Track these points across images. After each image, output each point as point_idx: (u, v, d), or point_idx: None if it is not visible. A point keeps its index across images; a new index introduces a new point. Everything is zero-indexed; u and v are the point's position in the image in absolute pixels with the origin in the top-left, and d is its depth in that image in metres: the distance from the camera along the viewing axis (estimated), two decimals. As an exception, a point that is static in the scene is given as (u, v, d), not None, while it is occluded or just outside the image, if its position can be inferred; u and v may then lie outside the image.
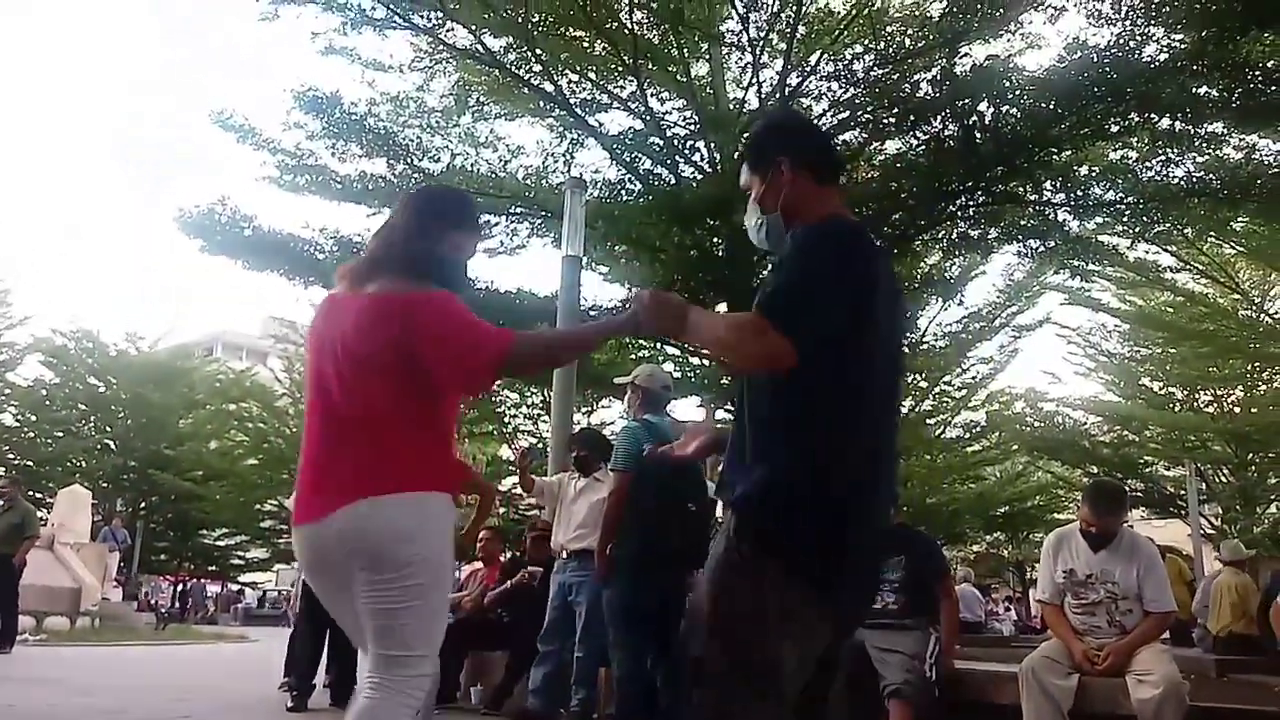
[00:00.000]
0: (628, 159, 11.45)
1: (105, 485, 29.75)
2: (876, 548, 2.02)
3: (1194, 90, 9.21)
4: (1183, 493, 19.48)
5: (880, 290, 1.94)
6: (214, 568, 33.89)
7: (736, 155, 1.90)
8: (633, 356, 13.24)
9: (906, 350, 2.22)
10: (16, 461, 28.36)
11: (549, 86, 11.40)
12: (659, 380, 5.13)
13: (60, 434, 30.08)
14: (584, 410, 18.20)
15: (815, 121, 2.20)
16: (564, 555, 5.82)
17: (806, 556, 1.85)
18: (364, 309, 2.21)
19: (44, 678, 7.84)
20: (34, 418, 29.97)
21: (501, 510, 25.88)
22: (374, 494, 2.11)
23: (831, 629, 1.94)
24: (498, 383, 2.38)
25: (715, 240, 11.26)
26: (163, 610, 24.16)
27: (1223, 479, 22.12)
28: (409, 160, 11.80)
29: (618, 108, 11.93)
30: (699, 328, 2.02)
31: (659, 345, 13.29)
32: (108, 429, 31.13)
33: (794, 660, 1.85)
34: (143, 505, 30.84)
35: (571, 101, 11.57)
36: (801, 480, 1.87)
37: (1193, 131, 9.76)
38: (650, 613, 4.78)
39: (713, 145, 11.12)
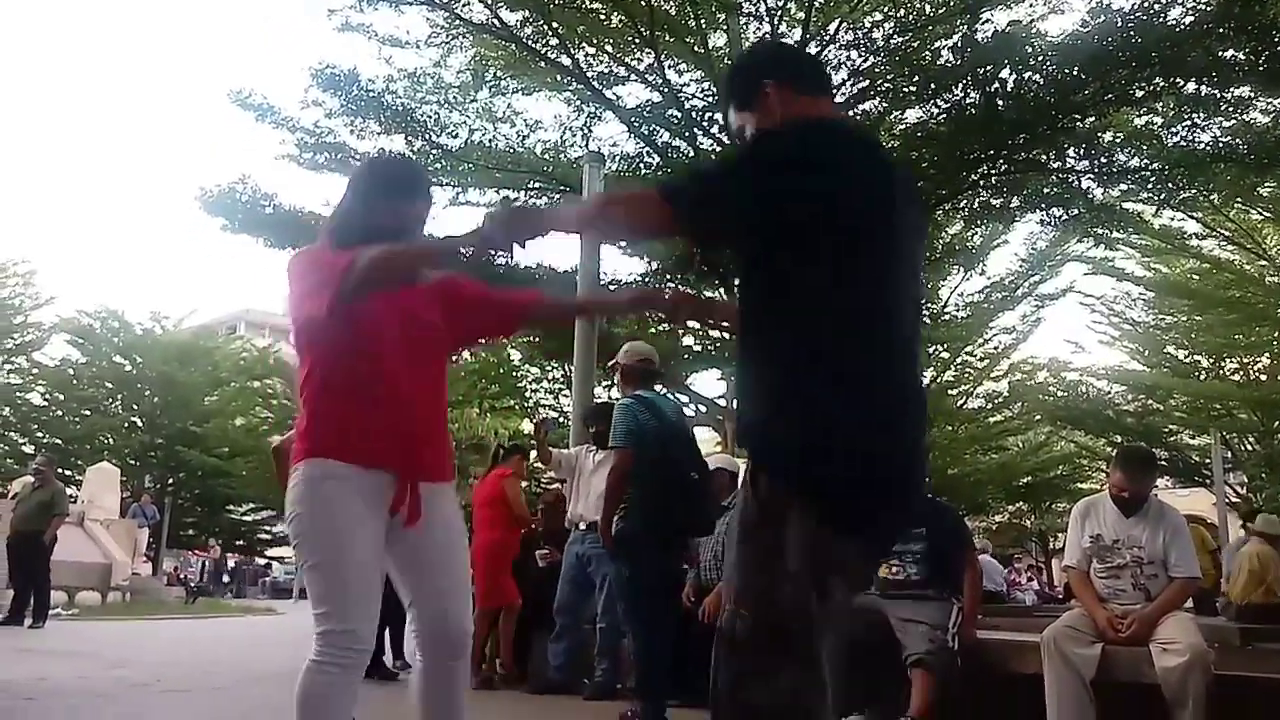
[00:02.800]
0: (646, 132, 11.40)
1: (133, 462, 30.11)
2: (905, 480, 1.79)
3: (1220, 54, 9.06)
4: (1208, 461, 19.33)
5: (851, 185, 1.76)
6: (241, 542, 34.33)
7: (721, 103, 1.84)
8: (652, 330, 13.24)
9: (920, 263, 2.03)
10: (46, 440, 28.76)
11: (566, 60, 11.35)
12: (635, 355, 5.08)
13: (88, 412, 30.48)
14: (605, 384, 18.20)
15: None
16: (581, 526, 5.87)
17: (830, 496, 1.69)
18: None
19: (76, 651, 7.99)
20: (61, 397, 30.38)
21: (524, 484, 26.03)
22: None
23: (863, 573, 1.82)
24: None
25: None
26: (192, 585, 24.50)
27: (1248, 447, 21.93)
28: (427, 137, 11.80)
29: (635, 80, 11.86)
30: (564, 219, 2.02)
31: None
32: (135, 407, 31.50)
33: (828, 611, 1.69)
34: (170, 482, 31.23)
35: (589, 75, 11.52)
36: (811, 413, 1.71)
37: (1219, 96, 9.61)
38: (661, 585, 4.80)
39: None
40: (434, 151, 11.77)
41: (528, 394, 25.04)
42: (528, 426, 26.19)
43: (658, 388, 5.27)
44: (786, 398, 1.74)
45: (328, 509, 2.19)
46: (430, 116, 12.02)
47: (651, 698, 4.50)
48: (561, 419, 23.84)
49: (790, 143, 1.80)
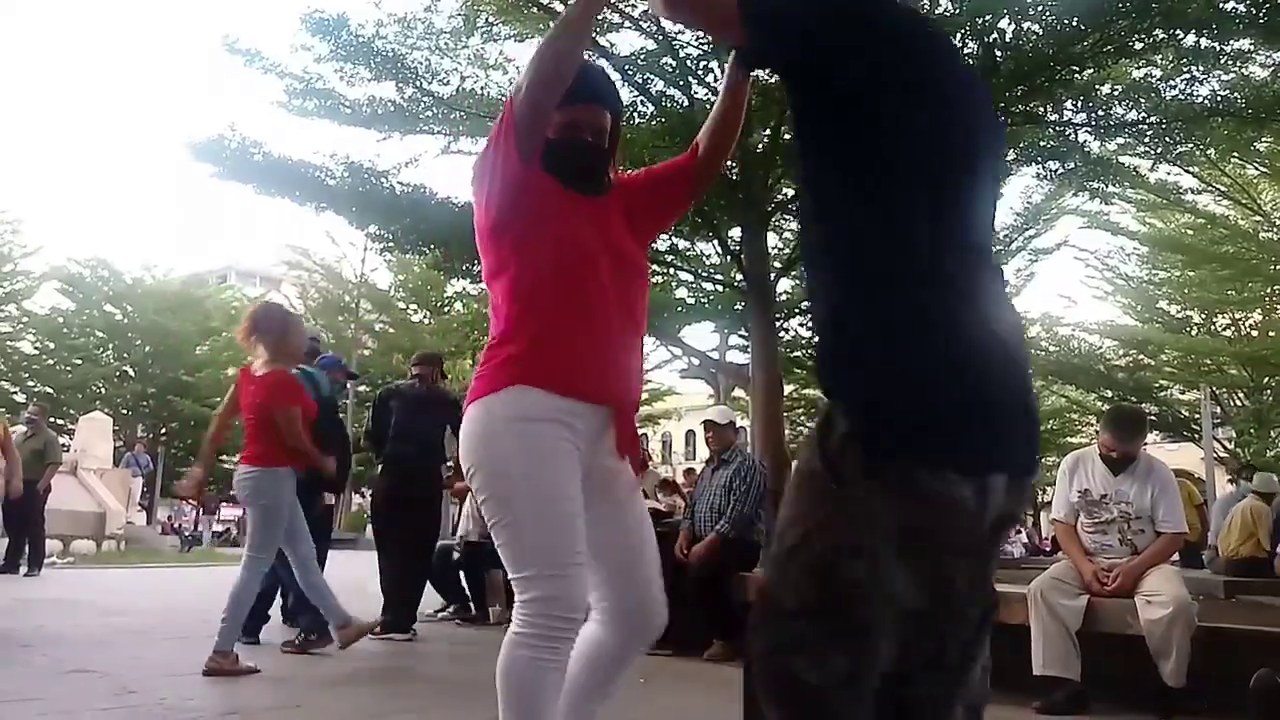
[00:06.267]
0: (639, 80, 11.26)
1: (125, 412, 30.15)
2: (994, 382, 1.43)
3: (1220, 5, 8.95)
4: (1197, 416, 19.47)
5: (902, 45, 1.53)
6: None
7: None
8: (658, 290, 13.21)
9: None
10: (37, 389, 28.73)
11: (559, 6, 11.17)
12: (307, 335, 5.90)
13: (79, 361, 30.43)
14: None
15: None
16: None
17: (884, 427, 1.39)
18: None
19: (72, 599, 8.04)
20: (52, 345, 30.32)
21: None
22: None
23: (968, 514, 1.39)
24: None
25: (729, 163, 11.13)
26: (186, 534, 24.64)
27: (1237, 402, 22.10)
28: (418, 83, 11.63)
29: (629, 27, 11.69)
30: None
31: (671, 270, 13.23)
32: (126, 356, 31.45)
33: (893, 580, 1.37)
34: (163, 431, 31.27)
35: (582, 21, 11.35)
36: (853, 322, 1.46)
37: (1218, 49, 9.50)
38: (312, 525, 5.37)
39: (726, 66, 10.91)
40: (425, 99, 11.63)
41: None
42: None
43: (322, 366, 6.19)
44: (848, 317, 1.49)
45: (538, 453, 1.87)
46: (421, 63, 11.84)
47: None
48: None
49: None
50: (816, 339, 1.56)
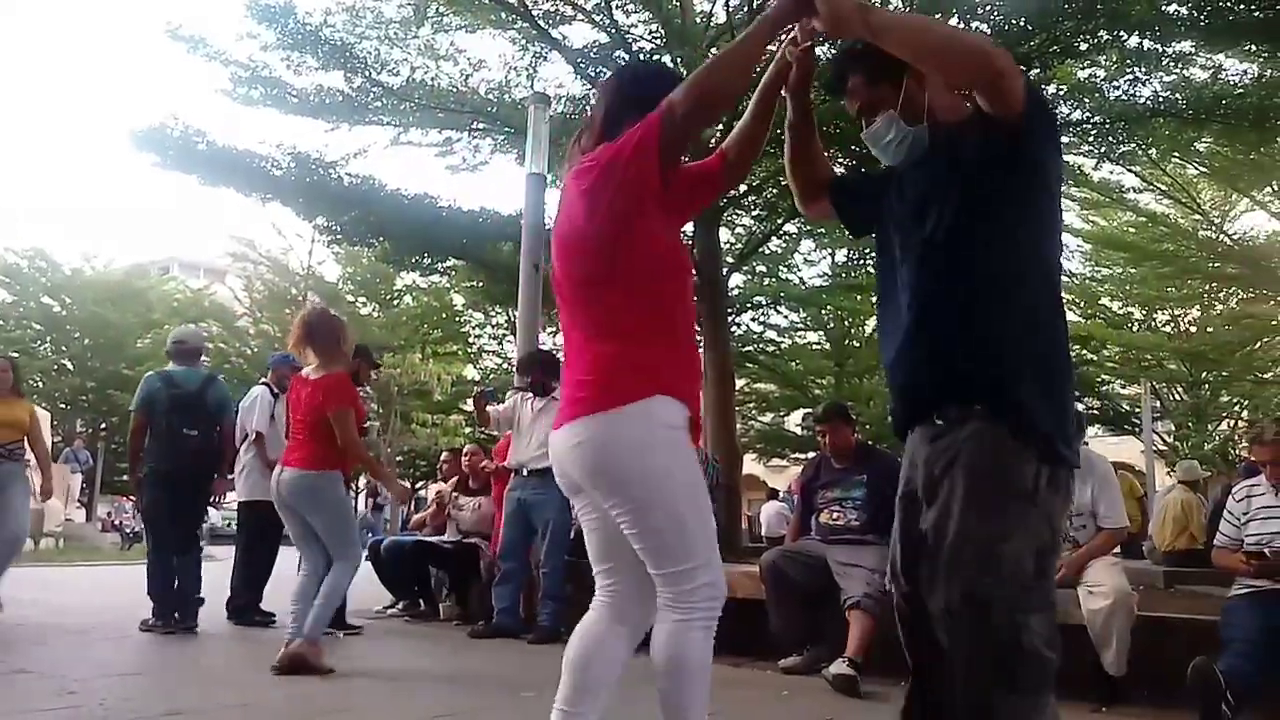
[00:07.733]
0: (592, 74, 11.22)
1: (64, 406, 29.43)
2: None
3: (1163, 8, 9.15)
4: (1137, 410, 19.89)
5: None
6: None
7: (843, 68, 1.61)
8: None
9: None
10: (-29, 382, 27.93)
11: (511, -3, 11.09)
12: (192, 340, 6.47)
13: (16, 354, 29.58)
14: (549, 330, 18.17)
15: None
16: (524, 474, 5.97)
17: (1056, 426, 1.85)
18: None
19: (10, 598, 7.82)
20: (-14, 338, 29.48)
21: (468, 429, 25.99)
22: None
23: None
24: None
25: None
26: (127, 531, 24.13)
27: (1177, 397, 22.62)
28: (367, 74, 11.49)
29: (581, 20, 11.65)
30: (892, 27, 1.87)
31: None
32: (65, 349, 30.67)
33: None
34: (103, 426, 30.56)
35: (534, 13, 11.27)
36: (1033, 342, 1.86)
37: (1161, 50, 9.73)
38: (162, 518, 5.97)
39: (679, 60, 10.91)
40: (374, 89, 11.49)
41: (471, 339, 24.87)
42: (472, 373, 26.13)
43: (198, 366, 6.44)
44: (1020, 343, 1.85)
45: (686, 458, 2.03)
46: (370, 53, 11.69)
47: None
48: (493, 378, 23.73)
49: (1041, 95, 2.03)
50: (967, 350, 1.87)
